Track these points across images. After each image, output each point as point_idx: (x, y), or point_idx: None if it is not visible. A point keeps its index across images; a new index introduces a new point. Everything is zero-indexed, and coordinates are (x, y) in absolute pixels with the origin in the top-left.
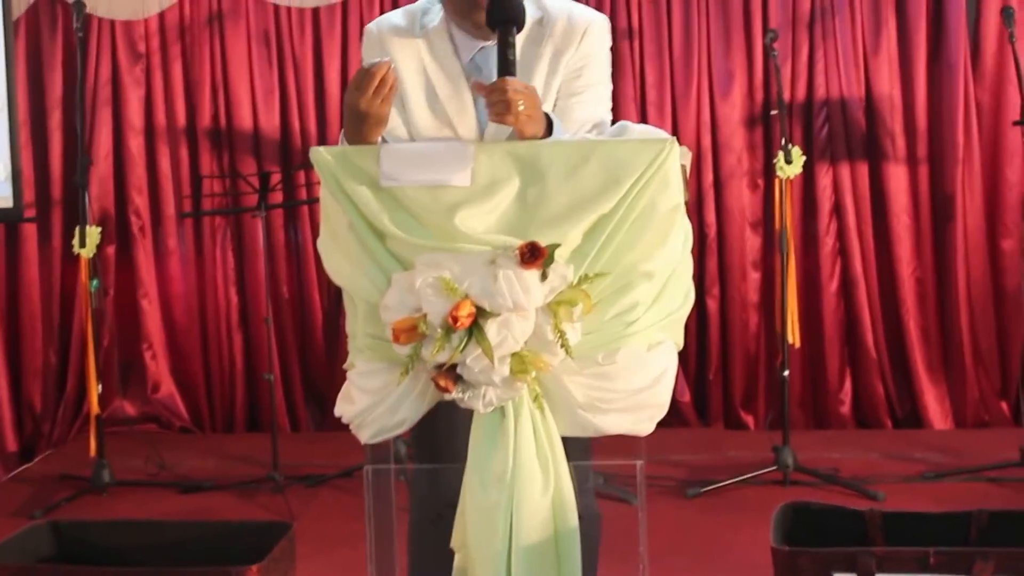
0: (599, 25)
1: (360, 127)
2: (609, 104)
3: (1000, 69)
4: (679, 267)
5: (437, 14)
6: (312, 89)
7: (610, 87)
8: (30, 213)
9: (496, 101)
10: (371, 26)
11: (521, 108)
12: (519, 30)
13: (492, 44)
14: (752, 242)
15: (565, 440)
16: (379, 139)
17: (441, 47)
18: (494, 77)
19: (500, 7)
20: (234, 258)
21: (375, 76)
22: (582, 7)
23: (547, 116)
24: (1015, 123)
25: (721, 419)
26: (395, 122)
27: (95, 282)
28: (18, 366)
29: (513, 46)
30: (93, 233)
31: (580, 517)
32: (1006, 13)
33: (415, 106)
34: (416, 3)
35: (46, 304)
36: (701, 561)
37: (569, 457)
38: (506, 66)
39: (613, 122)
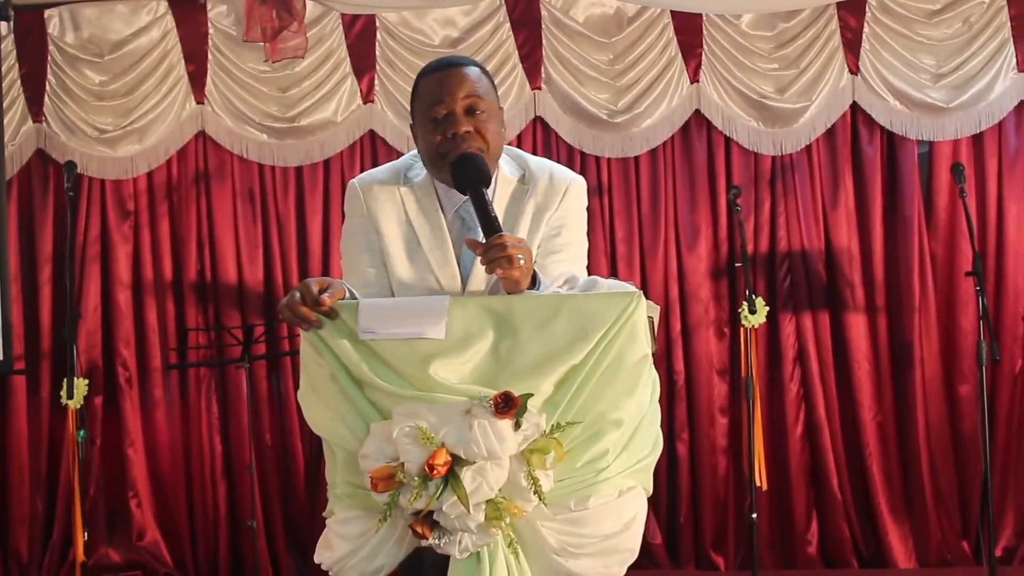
0: (578, 185)
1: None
2: (584, 261)
3: (952, 222)
4: (647, 415)
5: (423, 168)
6: (295, 244)
7: (586, 245)
8: (19, 365)
9: (498, 257)
10: (354, 181)
11: (522, 263)
12: (487, 186)
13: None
14: (720, 388)
15: None
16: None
17: (425, 200)
18: (478, 228)
19: (463, 172)
20: (218, 408)
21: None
22: (562, 167)
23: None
24: (967, 273)
25: (692, 561)
26: (367, 275)
27: (82, 432)
28: (5, 514)
29: (491, 203)
30: (80, 385)
31: None
32: (956, 170)
33: (395, 259)
34: (401, 159)
35: (34, 453)
36: None
37: None
38: (492, 223)
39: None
